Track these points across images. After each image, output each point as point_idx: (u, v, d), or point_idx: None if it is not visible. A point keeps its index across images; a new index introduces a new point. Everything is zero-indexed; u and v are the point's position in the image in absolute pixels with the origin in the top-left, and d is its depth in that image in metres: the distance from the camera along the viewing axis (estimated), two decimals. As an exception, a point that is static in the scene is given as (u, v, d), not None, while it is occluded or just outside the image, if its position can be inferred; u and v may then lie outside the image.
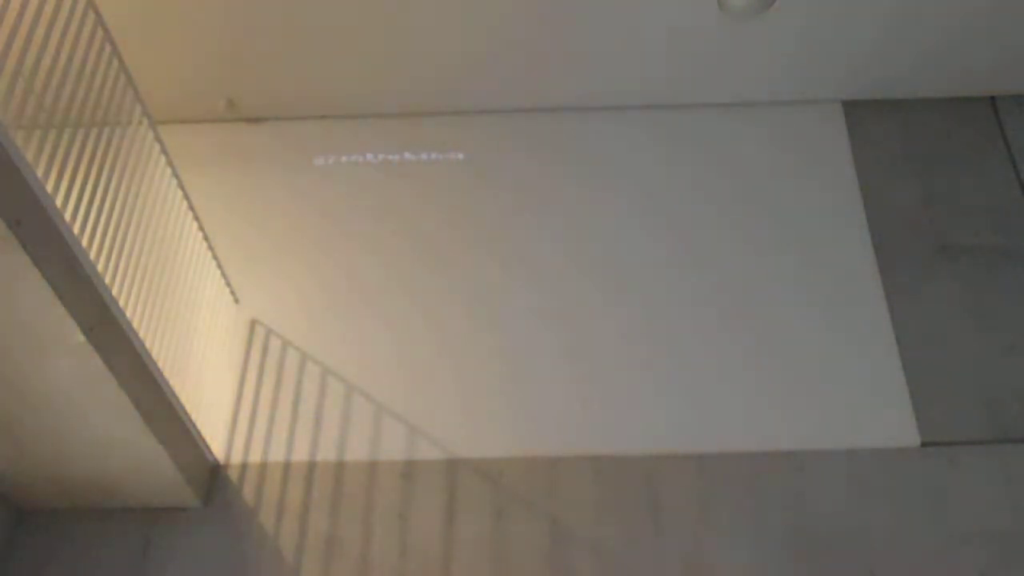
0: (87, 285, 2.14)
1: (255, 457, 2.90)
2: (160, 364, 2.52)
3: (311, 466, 2.88)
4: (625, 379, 3.01)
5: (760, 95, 3.60)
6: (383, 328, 3.15)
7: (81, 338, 2.08)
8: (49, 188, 2.02)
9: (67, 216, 2.09)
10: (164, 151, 2.63)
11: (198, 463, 2.78)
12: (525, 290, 3.21)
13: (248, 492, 2.83)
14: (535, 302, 3.19)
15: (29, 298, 1.99)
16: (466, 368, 3.06)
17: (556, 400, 2.98)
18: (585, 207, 3.39)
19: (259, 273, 3.27)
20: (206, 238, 2.94)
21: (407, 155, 3.55)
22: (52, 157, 2.07)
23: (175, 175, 2.71)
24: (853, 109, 3.59)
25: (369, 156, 3.55)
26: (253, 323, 3.17)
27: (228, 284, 3.14)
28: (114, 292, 2.28)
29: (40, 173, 1.99)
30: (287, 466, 2.88)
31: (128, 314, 2.34)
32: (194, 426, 2.73)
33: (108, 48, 2.31)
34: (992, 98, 3.59)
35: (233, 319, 3.17)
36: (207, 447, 2.84)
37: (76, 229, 2.12)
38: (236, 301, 3.20)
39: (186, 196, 2.78)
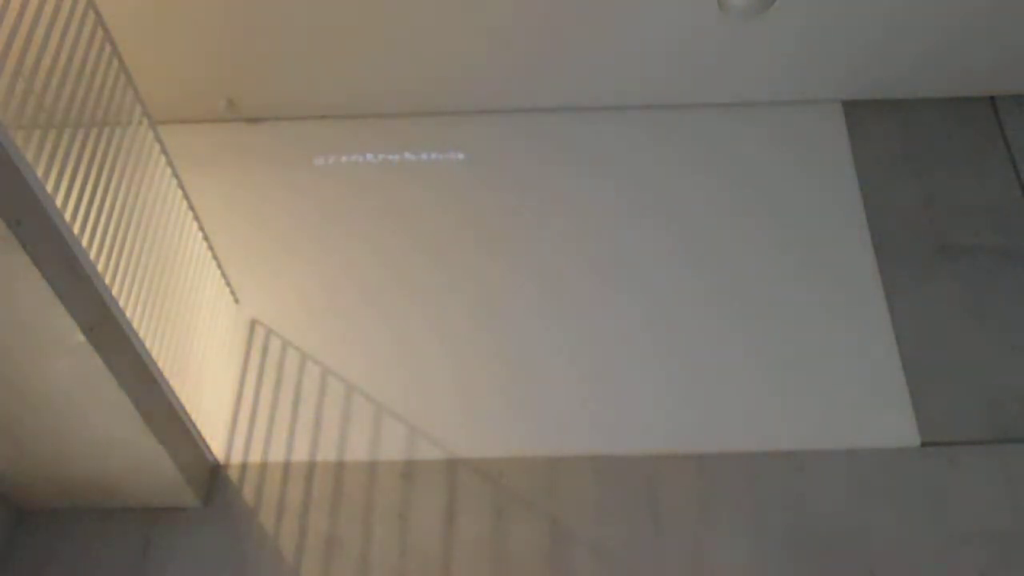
0: (87, 285, 2.14)
1: (255, 457, 2.90)
2: (160, 364, 2.52)
3: (311, 466, 2.88)
4: (625, 379, 3.02)
5: (760, 95, 3.60)
6: (383, 328, 3.15)
7: (81, 338, 2.08)
8: (49, 188, 2.02)
9: (67, 216, 2.09)
10: (164, 151, 2.63)
11: (198, 463, 2.78)
12: (525, 290, 3.21)
13: (248, 492, 2.83)
14: (535, 302, 3.19)
15: (29, 298, 1.99)
16: (466, 368, 3.06)
17: (556, 400, 2.99)
18: (585, 207, 3.39)
19: (259, 273, 3.27)
20: (206, 238, 2.94)
21: (407, 155, 3.55)
22: (52, 157, 2.07)
23: (175, 175, 2.71)
24: (853, 109, 3.59)
25: (369, 156, 3.55)
26: (253, 323, 3.17)
27: (228, 284, 3.14)
28: (114, 292, 2.28)
29: (40, 173, 1.99)
30: (287, 466, 2.88)
31: (128, 314, 2.34)
32: (194, 426, 2.73)
33: (108, 48, 2.31)
34: (992, 98, 3.59)
35: (233, 319, 3.17)
36: (207, 447, 2.84)
37: (76, 229, 2.12)
38: (236, 301, 3.21)
39: (186, 196, 2.78)
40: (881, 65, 3.45)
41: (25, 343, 2.13)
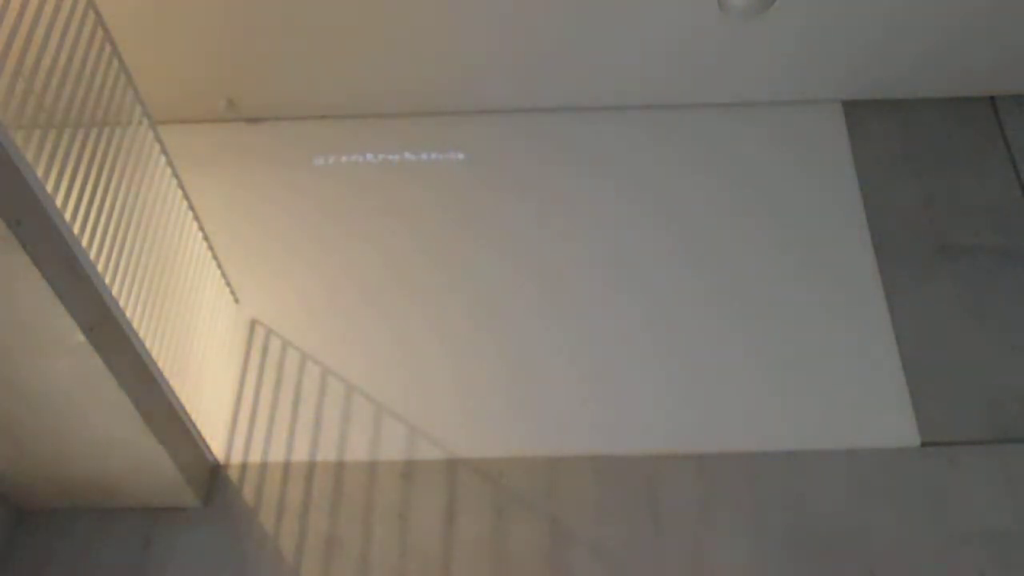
0: (87, 285, 2.14)
1: (255, 457, 2.90)
2: (160, 364, 2.52)
3: (311, 466, 2.88)
4: (625, 379, 3.02)
5: (760, 95, 3.60)
6: (383, 328, 3.15)
7: (81, 338, 2.08)
8: (49, 188, 2.02)
9: (67, 216, 2.09)
10: (164, 151, 2.63)
11: (198, 463, 2.78)
12: (525, 290, 3.21)
13: (248, 492, 2.83)
14: (535, 302, 3.19)
15: (29, 298, 1.99)
16: (466, 368, 3.06)
17: (556, 400, 2.99)
18: (585, 207, 3.40)
19: (259, 273, 3.27)
20: (206, 238, 2.94)
21: (407, 155, 3.55)
22: (52, 157, 2.07)
23: (175, 175, 2.71)
24: (853, 109, 3.59)
25: (369, 156, 3.55)
26: (253, 323, 3.17)
27: (228, 284, 3.14)
28: (114, 292, 2.28)
29: (40, 173, 1.99)
30: (287, 466, 2.88)
31: (128, 314, 2.34)
32: (194, 426, 2.73)
33: (108, 48, 2.31)
34: (992, 98, 3.59)
35: (233, 319, 3.17)
36: (207, 447, 2.84)
37: (76, 229, 2.12)
38: (236, 301, 3.21)
39: (186, 196, 2.78)
40: (881, 65, 3.45)
41: (25, 343, 2.13)
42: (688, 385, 3.00)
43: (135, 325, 2.38)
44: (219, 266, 3.05)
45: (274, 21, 3.17)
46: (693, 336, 3.09)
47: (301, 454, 2.90)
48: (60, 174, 2.10)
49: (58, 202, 2.06)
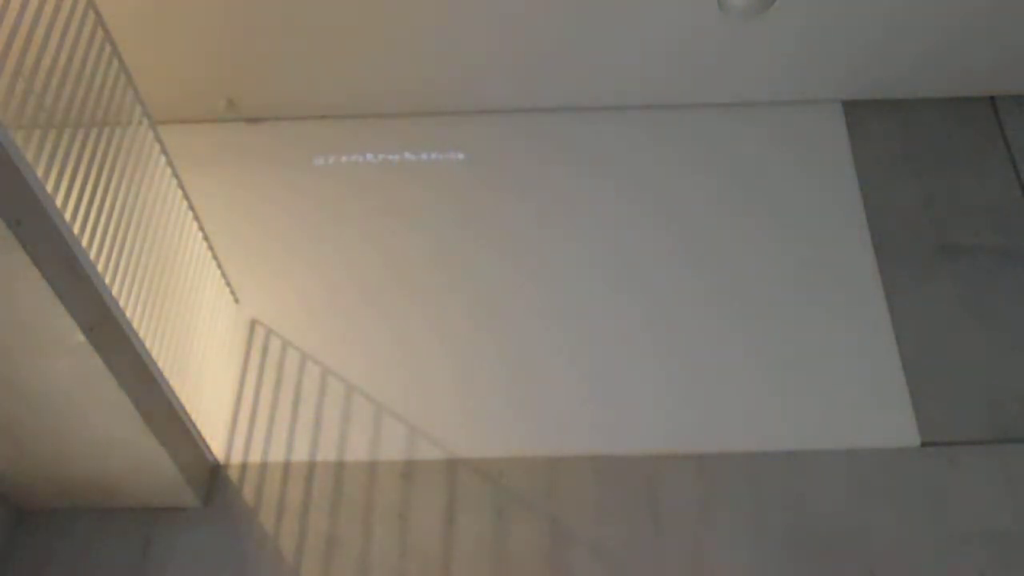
0: (87, 285, 2.14)
1: (255, 457, 2.90)
2: (160, 364, 2.52)
3: (311, 466, 2.88)
4: (625, 379, 3.02)
5: (760, 95, 3.60)
6: (383, 328, 3.15)
7: (81, 338, 2.08)
8: (49, 188, 2.02)
9: (67, 216, 2.09)
10: (164, 151, 2.63)
11: (198, 463, 2.78)
12: (525, 290, 3.21)
13: (248, 492, 2.83)
14: (535, 302, 3.19)
15: (29, 298, 1.99)
16: (466, 368, 3.06)
17: (556, 400, 2.99)
18: (585, 207, 3.39)
19: (259, 273, 3.27)
20: (206, 238, 2.94)
21: (407, 155, 3.55)
22: (52, 157, 2.07)
23: (175, 175, 2.71)
24: (853, 109, 3.59)
25: (369, 156, 3.55)
26: (253, 323, 3.17)
27: (228, 284, 3.14)
28: (114, 292, 2.28)
29: (40, 173, 1.99)
30: (287, 466, 2.88)
31: (128, 314, 2.34)
32: (194, 426, 2.73)
33: (108, 48, 2.31)
34: (992, 98, 3.59)
35: (233, 319, 3.17)
36: (207, 447, 2.84)
37: (76, 229, 2.12)
38: (236, 301, 3.21)
39: (186, 196, 2.78)
40: (881, 65, 3.45)
41: (25, 343, 2.13)
42: (688, 385, 3.00)
43: (135, 325, 2.38)
44: (219, 266, 3.05)
45: (274, 21, 3.17)
46: (693, 336, 3.09)
47: (301, 454, 2.90)
48: (60, 174, 2.10)
49: (58, 202, 2.06)
